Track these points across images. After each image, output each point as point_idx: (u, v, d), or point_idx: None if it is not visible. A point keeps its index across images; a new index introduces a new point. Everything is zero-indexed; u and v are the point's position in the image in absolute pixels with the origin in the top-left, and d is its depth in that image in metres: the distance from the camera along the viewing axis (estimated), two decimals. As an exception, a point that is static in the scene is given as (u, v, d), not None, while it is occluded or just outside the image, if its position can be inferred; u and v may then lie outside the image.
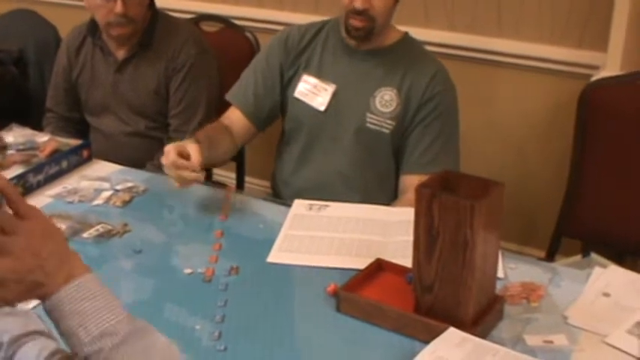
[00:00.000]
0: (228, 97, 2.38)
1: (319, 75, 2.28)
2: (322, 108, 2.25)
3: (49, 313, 1.02)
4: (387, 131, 2.22)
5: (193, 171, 1.89)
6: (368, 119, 2.22)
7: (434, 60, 2.30)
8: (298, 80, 2.30)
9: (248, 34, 2.87)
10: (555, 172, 2.60)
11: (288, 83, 2.32)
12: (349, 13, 2.14)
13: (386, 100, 2.21)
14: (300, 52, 2.31)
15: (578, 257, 2.37)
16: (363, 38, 2.18)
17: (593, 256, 2.29)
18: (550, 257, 2.42)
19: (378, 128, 2.22)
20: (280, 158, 2.41)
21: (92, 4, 2.46)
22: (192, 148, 1.92)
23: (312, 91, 2.27)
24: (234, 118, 2.32)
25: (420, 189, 1.42)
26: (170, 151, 1.90)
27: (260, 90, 2.32)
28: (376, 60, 2.24)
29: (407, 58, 2.25)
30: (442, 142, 2.22)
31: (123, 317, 1.03)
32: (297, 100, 2.29)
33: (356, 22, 2.14)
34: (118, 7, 2.40)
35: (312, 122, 2.27)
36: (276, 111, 2.36)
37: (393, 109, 2.21)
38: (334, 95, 2.24)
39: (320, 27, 2.34)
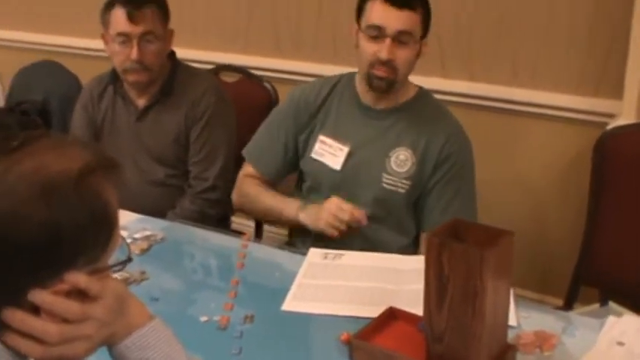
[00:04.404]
0: (247, 155, 2.44)
1: (335, 135, 2.28)
2: (338, 167, 2.26)
3: (112, 356, 1.08)
4: (402, 191, 2.23)
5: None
6: (384, 179, 2.23)
7: (448, 117, 2.30)
8: (314, 141, 2.31)
9: (266, 84, 2.93)
10: (574, 220, 2.60)
11: (304, 145, 2.33)
12: (373, 64, 2.14)
13: (401, 160, 2.22)
14: (315, 113, 2.32)
15: (595, 306, 2.36)
16: (384, 90, 2.18)
17: (611, 304, 2.27)
18: (568, 306, 2.41)
19: (393, 188, 2.23)
20: None
21: (111, 50, 2.55)
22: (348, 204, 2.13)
23: (329, 151, 2.27)
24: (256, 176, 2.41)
25: (430, 238, 1.44)
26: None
27: (276, 154, 2.37)
28: (391, 119, 2.25)
29: (422, 117, 2.25)
30: (460, 200, 2.24)
31: None
32: (314, 160, 2.30)
33: (379, 73, 2.14)
34: (134, 54, 2.47)
35: (329, 181, 2.28)
36: (290, 169, 2.41)
37: (409, 169, 2.22)
38: (350, 155, 2.25)
39: (334, 84, 2.34)
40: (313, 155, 2.30)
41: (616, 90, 2.68)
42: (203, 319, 1.74)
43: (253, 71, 3.06)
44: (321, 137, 2.29)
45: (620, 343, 1.61)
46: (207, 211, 2.58)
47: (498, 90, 2.97)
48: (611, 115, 2.70)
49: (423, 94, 2.31)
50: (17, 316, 0.96)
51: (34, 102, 3.20)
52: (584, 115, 2.82)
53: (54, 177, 0.94)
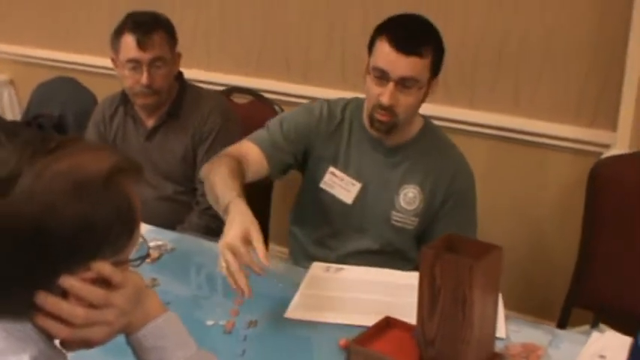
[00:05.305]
0: (249, 138, 2.28)
1: (346, 169, 2.27)
2: (349, 201, 2.27)
3: (130, 344, 1.20)
4: (411, 228, 2.27)
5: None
6: (393, 217, 2.26)
7: (453, 151, 2.31)
8: (324, 171, 2.29)
9: (276, 107, 3.04)
10: (570, 247, 2.64)
11: (315, 167, 2.30)
12: (375, 106, 2.13)
13: (410, 197, 2.24)
14: (329, 137, 2.28)
15: (586, 327, 2.44)
16: (385, 132, 2.18)
17: (602, 326, 2.36)
18: (560, 327, 2.48)
19: (402, 225, 2.26)
20: (300, 236, 2.42)
21: (121, 73, 2.66)
22: (258, 237, 1.80)
23: (339, 184, 2.27)
24: (251, 151, 2.22)
25: (424, 250, 1.54)
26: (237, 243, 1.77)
27: (281, 141, 2.25)
28: (400, 156, 2.26)
29: (429, 153, 2.26)
30: (464, 229, 2.23)
31: (194, 352, 1.23)
32: (322, 190, 2.30)
33: (380, 117, 2.13)
34: (144, 79, 2.59)
35: (338, 214, 2.29)
36: (288, 167, 2.31)
37: (417, 206, 2.25)
38: (361, 191, 2.26)
39: (342, 110, 2.31)
40: (322, 186, 2.30)
41: (611, 121, 2.78)
42: (209, 322, 1.85)
43: (264, 94, 3.18)
44: (332, 169, 2.29)
45: (602, 357, 1.71)
46: (213, 226, 2.67)
47: (498, 118, 3.07)
48: (606, 146, 2.80)
49: (428, 127, 2.31)
50: (48, 300, 1.06)
51: (51, 116, 3.32)
52: (580, 144, 2.92)
53: (86, 175, 1.06)
